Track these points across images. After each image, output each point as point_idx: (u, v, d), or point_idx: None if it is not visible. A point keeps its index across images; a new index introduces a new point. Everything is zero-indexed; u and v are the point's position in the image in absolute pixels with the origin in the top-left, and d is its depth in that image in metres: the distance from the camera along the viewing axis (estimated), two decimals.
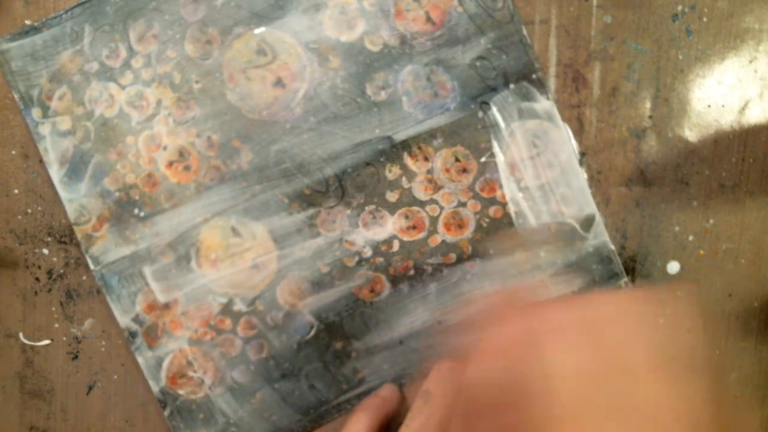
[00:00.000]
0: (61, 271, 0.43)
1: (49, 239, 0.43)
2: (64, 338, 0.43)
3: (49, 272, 0.43)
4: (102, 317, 0.43)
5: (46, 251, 0.43)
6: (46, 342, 0.43)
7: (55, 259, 0.43)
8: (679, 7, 0.42)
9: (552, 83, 0.42)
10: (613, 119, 0.42)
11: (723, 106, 0.42)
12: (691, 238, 0.42)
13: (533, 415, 0.23)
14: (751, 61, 0.42)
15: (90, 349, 0.43)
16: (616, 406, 0.22)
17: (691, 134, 0.42)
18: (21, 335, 0.43)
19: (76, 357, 0.43)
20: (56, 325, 0.43)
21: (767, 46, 0.42)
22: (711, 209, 0.42)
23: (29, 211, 0.43)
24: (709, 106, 0.42)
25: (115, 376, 0.43)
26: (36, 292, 0.43)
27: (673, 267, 0.43)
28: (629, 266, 0.42)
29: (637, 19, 0.42)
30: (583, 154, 0.42)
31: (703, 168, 0.42)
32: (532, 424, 0.23)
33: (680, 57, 0.42)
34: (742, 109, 0.42)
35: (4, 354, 0.44)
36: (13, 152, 0.42)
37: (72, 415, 0.44)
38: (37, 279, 0.43)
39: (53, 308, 0.43)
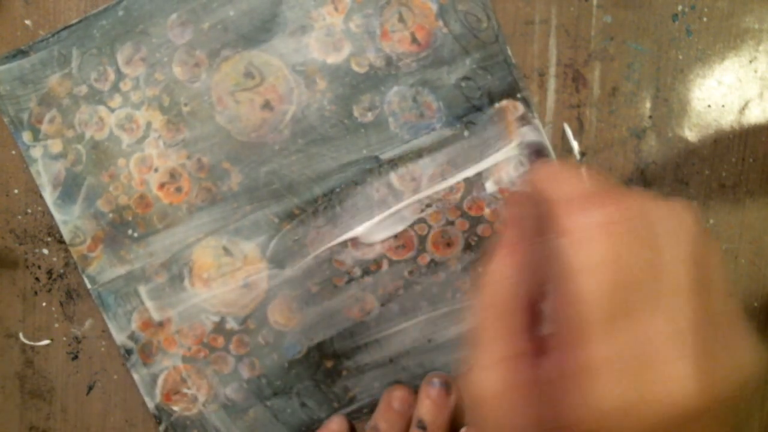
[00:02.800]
0: (61, 271, 0.44)
1: (49, 239, 0.43)
2: (64, 338, 0.44)
3: (49, 272, 0.44)
4: (102, 317, 0.43)
5: (46, 251, 0.44)
6: (46, 342, 0.44)
7: (55, 259, 0.44)
8: (679, 7, 0.41)
9: (552, 83, 0.42)
10: (613, 119, 0.42)
11: (723, 106, 0.42)
12: None
13: (561, 309, 0.23)
14: (751, 61, 0.42)
15: (90, 349, 0.44)
16: (643, 304, 0.22)
17: (691, 134, 0.42)
18: (21, 335, 0.44)
19: (76, 357, 0.44)
20: (56, 325, 0.44)
21: (767, 46, 0.42)
22: (711, 209, 0.42)
23: (29, 211, 0.43)
24: (709, 106, 0.42)
25: (115, 376, 0.44)
26: (36, 292, 0.44)
27: None
28: None
29: (637, 19, 0.41)
30: (583, 154, 0.42)
31: (703, 168, 0.42)
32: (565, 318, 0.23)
33: (680, 57, 0.42)
34: (742, 109, 0.42)
35: (4, 354, 0.44)
36: (13, 152, 0.43)
37: (72, 415, 0.45)
38: (37, 279, 0.44)
39: (53, 308, 0.44)
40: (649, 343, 0.22)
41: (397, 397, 0.41)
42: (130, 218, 0.42)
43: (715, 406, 0.22)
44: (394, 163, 0.41)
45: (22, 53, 0.41)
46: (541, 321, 0.26)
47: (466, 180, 0.41)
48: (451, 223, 0.41)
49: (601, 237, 0.23)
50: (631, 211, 0.24)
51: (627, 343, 0.22)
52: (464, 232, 0.41)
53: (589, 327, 0.22)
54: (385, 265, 0.42)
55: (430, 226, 0.42)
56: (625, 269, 0.23)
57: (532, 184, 0.27)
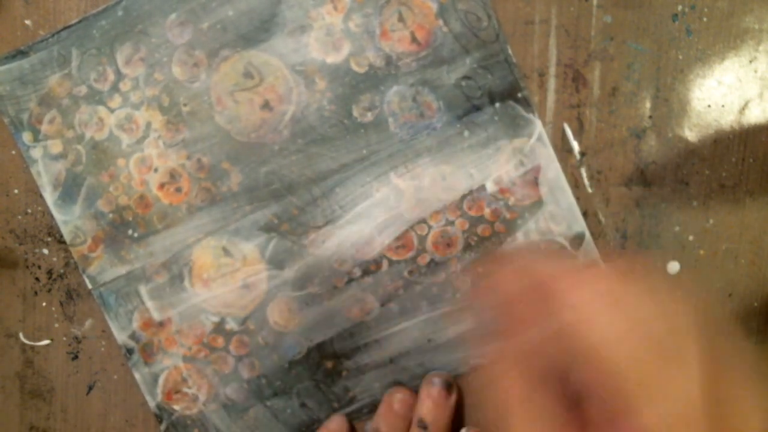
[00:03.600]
0: (61, 271, 0.44)
1: (49, 239, 0.43)
2: (64, 338, 0.44)
3: (49, 272, 0.44)
4: (102, 317, 0.43)
5: (46, 251, 0.44)
6: (46, 342, 0.44)
7: (55, 259, 0.44)
8: (679, 7, 0.41)
9: (552, 83, 0.42)
10: (613, 119, 0.42)
11: (723, 106, 0.42)
12: (691, 238, 0.42)
13: (594, 384, 0.23)
14: (751, 61, 0.42)
15: (90, 349, 0.44)
16: (672, 360, 0.23)
17: (691, 134, 0.42)
18: (21, 335, 0.44)
19: (76, 357, 0.44)
20: (56, 325, 0.44)
21: (767, 46, 0.41)
22: (711, 209, 0.42)
23: (29, 211, 0.43)
24: (709, 106, 0.42)
25: (115, 376, 0.44)
26: (36, 292, 0.44)
27: (673, 267, 0.43)
28: None
29: (637, 19, 0.41)
30: (583, 154, 0.42)
31: (703, 168, 0.42)
32: (596, 392, 0.23)
33: (680, 57, 0.42)
34: (742, 109, 0.42)
35: (4, 354, 0.44)
36: (13, 152, 0.43)
37: (72, 415, 0.45)
38: (37, 279, 0.44)
39: (53, 308, 0.44)
40: (692, 406, 0.22)
41: (398, 399, 0.41)
42: (130, 218, 0.42)
43: None
44: (394, 163, 0.41)
45: (21, 53, 0.41)
46: (572, 395, 0.26)
47: (466, 180, 0.41)
48: (451, 223, 0.41)
49: (610, 308, 0.23)
50: (627, 281, 0.24)
51: (670, 407, 0.22)
52: (464, 232, 0.41)
53: (629, 398, 0.22)
54: (385, 265, 0.42)
55: (430, 226, 0.41)
56: (642, 336, 0.23)
57: (515, 263, 0.27)
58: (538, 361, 0.26)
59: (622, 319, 0.23)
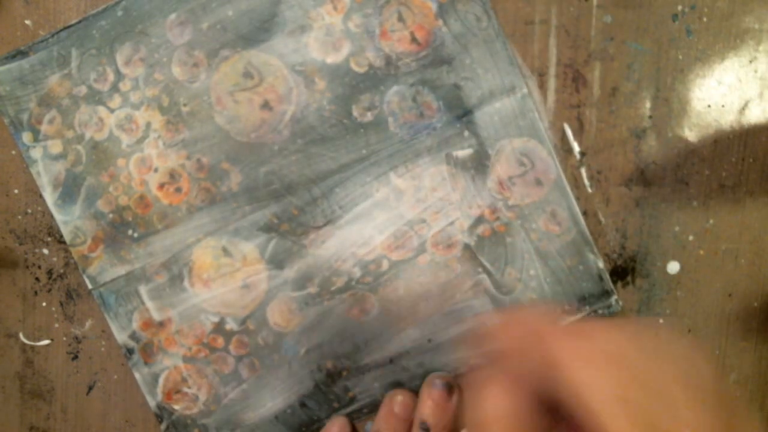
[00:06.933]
0: (61, 271, 0.44)
1: (49, 239, 0.43)
2: (64, 338, 0.44)
3: (49, 272, 0.44)
4: (102, 317, 0.43)
5: (46, 251, 0.44)
6: (46, 342, 0.44)
7: (55, 259, 0.44)
8: (679, 7, 0.41)
9: (552, 83, 0.42)
10: (613, 119, 0.42)
11: (723, 106, 0.42)
12: (691, 238, 0.42)
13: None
14: (751, 61, 0.42)
15: (90, 349, 0.44)
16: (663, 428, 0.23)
17: (691, 134, 0.42)
18: (21, 335, 0.44)
19: (76, 357, 0.44)
20: (56, 325, 0.44)
21: (767, 46, 0.41)
22: (711, 209, 0.42)
23: (29, 211, 0.43)
24: (709, 106, 0.42)
25: (115, 376, 0.44)
26: (36, 292, 0.44)
27: (673, 267, 0.43)
28: (629, 266, 0.43)
29: (637, 19, 0.41)
30: (583, 154, 0.42)
31: (703, 168, 0.42)
32: None
33: (680, 57, 0.42)
34: (742, 109, 0.42)
35: (4, 354, 0.45)
36: (13, 152, 0.43)
37: (72, 415, 0.45)
38: (37, 279, 0.44)
39: (53, 308, 0.44)
40: None
41: (399, 402, 0.41)
42: (130, 218, 0.42)
43: None
44: (394, 163, 0.41)
45: (21, 54, 0.41)
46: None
47: (466, 180, 0.41)
48: (451, 223, 0.41)
49: (609, 368, 0.23)
50: (624, 338, 0.24)
51: None
52: (464, 232, 0.41)
53: None
54: (385, 265, 0.42)
55: (429, 227, 0.41)
56: (640, 398, 0.23)
57: (511, 323, 0.27)
58: (527, 384, 0.26)
59: (618, 384, 0.23)
